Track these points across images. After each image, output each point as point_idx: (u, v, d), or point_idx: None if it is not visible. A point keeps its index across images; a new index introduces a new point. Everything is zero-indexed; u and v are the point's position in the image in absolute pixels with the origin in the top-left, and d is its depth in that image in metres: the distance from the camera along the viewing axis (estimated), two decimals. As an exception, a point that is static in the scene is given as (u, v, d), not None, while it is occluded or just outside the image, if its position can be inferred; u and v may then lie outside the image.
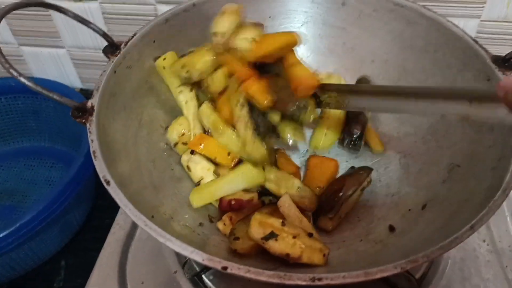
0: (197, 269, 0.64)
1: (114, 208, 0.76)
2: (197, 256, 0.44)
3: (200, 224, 0.61)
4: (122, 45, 0.63)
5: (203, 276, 0.65)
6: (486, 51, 0.61)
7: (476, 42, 0.62)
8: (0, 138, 1.04)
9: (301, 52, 0.78)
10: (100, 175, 0.50)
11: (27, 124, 1.04)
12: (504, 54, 0.59)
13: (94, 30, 0.62)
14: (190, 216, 0.62)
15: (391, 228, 0.60)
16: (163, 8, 0.92)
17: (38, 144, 1.06)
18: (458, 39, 0.64)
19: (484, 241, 0.68)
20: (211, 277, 0.65)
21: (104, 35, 0.62)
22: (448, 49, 0.66)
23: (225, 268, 0.43)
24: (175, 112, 0.71)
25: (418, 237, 0.55)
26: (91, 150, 0.52)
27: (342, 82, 0.76)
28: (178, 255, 0.68)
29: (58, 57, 1.07)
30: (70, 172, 0.82)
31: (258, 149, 0.62)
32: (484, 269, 0.65)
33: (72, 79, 1.11)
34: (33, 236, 0.77)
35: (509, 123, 0.48)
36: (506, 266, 0.66)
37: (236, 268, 0.43)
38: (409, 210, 0.61)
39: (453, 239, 0.45)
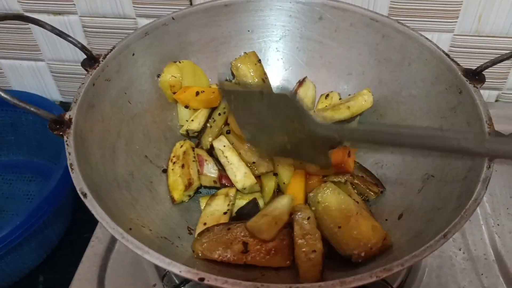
0: (177, 281, 0.64)
1: (93, 221, 0.75)
2: (174, 267, 0.44)
3: (179, 237, 0.61)
4: (101, 58, 0.64)
5: (182, 288, 0.65)
6: (457, 64, 0.63)
7: (448, 56, 0.64)
8: (-23, 152, 1.03)
9: (280, 65, 0.80)
10: (77, 188, 0.49)
11: (4, 138, 1.03)
12: (475, 67, 0.61)
13: (72, 43, 0.62)
14: (169, 228, 0.62)
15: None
16: (143, 22, 0.92)
17: (16, 158, 1.05)
18: (431, 53, 0.66)
19: (460, 249, 0.70)
20: (190, 290, 0.65)
21: (83, 48, 0.62)
22: (422, 62, 0.67)
23: (202, 279, 0.43)
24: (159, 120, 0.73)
25: (395, 246, 0.56)
26: (68, 162, 0.52)
27: (337, 99, 0.77)
28: (157, 268, 0.67)
29: (37, 70, 1.06)
30: (48, 186, 0.81)
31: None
32: (460, 277, 0.67)
33: (52, 92, 1.10)
34: (10, 251, 0.76)
35: None
36: (482, 274, 0.67)
37: (213, 279, 0.43)
38: (386, 220, 0.62)
39: (426, 247, 0.46)
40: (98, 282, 0.67)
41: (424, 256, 0.45)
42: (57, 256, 0.86)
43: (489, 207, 0.75)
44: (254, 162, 0.67)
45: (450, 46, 0.88)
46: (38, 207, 0.78)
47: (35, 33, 0.98)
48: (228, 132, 0.71)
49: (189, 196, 0.68)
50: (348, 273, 0.51)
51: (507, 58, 0.60)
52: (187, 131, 0.73)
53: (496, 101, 0.96)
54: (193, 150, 0.71)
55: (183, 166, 0.67)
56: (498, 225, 0.72)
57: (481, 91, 0.92)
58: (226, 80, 0.79)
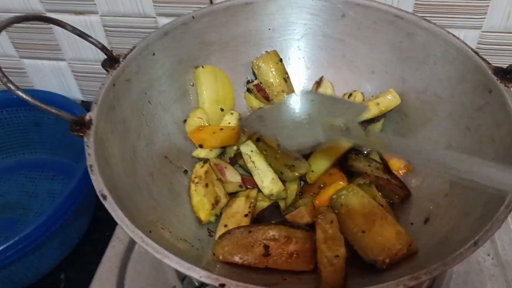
0: (196, 283, 0.63)
1: (114, 220, 0.76)
2: (194, 273, 0.43)
3: (199, 239, 0.60)
4: (121, 59, 0.63)
5: (202, 291, 0.64)
6: (487, 62, 0.61)
7: (477, 53, 0.62)
8: (2, 150, 1.04)
9: (302, 64, 0.78)
10: (97, 190, 0.49)
11: (28, 137, 1.04)
12: (505, 66, 0.59)
13: (92, 43, 0.62)
14: (189, 230, 0.61)
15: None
16: (163, 21, 0.92)
17: (39, 157, 1.06)
18: (457, 51, 0.64)
19: (488, 254, 0.68)
20: (210, 292, 0.64)
21: (103, 48, 0.62)
22: (448, 60, 0.65)
23: (222, 285, 0.42)
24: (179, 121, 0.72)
25: (420, 252, 0.54)
26: (88, 164, 0.52)
27: (360, 98, 0.75)
28: (177, 269, 0.67)
29: (59, 70, 1.07)
30: (70, 185, 0.81)
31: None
32: (489, 283, 0.64)
33: (73, 91, 1.11)
34: (33, 250, 0.76)
35: None
36: (511, 280, 0.65)
37: (234, 285, 0.42)
38: (411, 224, 0.60)
39: (456, 255, 0.44)
40: (118, 282, 0.67)
41: (454, 265, 0.43)
42: (79, 254, 0.87)
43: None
44: (292, 165, 0.65)
45: (478, 43, 0.85)
46: (59, 206, 0.78)
47: (56, 33, 0.99)
48: (257, 140, 0.70)
49: (216, 215, 0.65)
50: (372, 280, 0.50)
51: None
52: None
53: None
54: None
55: (206, 185, 0.66)
56: (526, 229, 0.70)
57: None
58: (248, 81, 0.78)
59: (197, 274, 0.43)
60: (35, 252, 0.78)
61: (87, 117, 0.56)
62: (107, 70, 0.62)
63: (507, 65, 0.59)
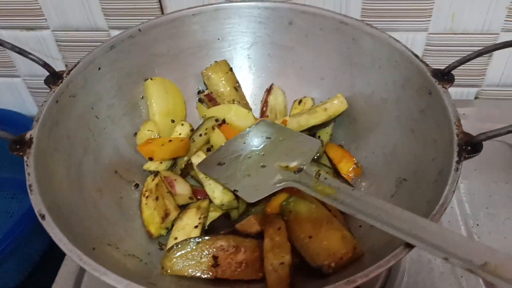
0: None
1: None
2: (132, 289, 0.43)
3: (149, 253, 0.60)
4: (64, 74, 0.63)
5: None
6: (426, 65, 0.62)
7: (417, 57, 0.63)
8: (-39, 170, 1.02)
9: (252, 72, 0.79)
10: (35, 210, 0.49)
11: (-13, 156, 1.02)
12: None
13: (34, 60, 0.61)
14: (138, 245, 0.61)
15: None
16: (116, 34, 0.91)
17: (-1, 175, 1.04)
18: (400, 55, 0.65)
19: (439, 252, 0.68)
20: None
21: (45, 65, 0.61)
22: (392, 64, 0.66)
23: (160, 300, 0.42)
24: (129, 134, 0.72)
25: (367, 255, 0.55)
26: (27, 183, 0.51)
27: (310, 104, 0.76)
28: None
29: (14, 86, 1.05)
30: (27, 203, 0.80)
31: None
32: (439, 281, 0.65)
33: (30, 108, 1.09)
34: (-10, 269, 0.75)
35: None
36: (461, 276, 0.66)
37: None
38: (360, 226, 0.61)
39: (391, 257, 0.45)
40: (72, 301, 0.66)
41: (388, 266, 0.44)
42: (40, 273, 0.85)
43: (469, 208, 0.74)
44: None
45: (426, 45, 0.87)
46: (16, 224, 0.77)
47: (9, 50, 0.97)
48: (208, 150, 0.70)
49: (167, 228, 0.64)
50: (318, 285, 0.51)
51: (474, 57, 0.59)
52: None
53: (476, 98, 0.95)
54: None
55: (157, 198, 0.65)
56: (477, 225, 0.71)
57: (460, 89, 0.93)
58: (199, 91, 0.78)
59: (135, 290, 0.43)
60: (-8, 273, 0.77)
61: (28, 135, 0.55)
62: (49, 87, 0.62)
63: (445, 67, 0.60)
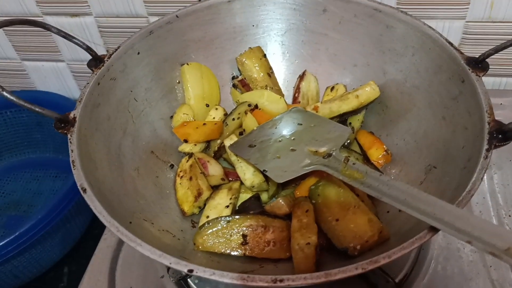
0: (182, 273, 0.66)
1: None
2: (164, 259, 0.46)
3: (182, 230, 0.62)
4: (106, 58, 0.66)
5: (188, 280, 0.67)
6: (460, 52, 0.62)
7: (451, 44, 0.63)
8: (7, 150, 1.08)
9: (286, 58, 0.80)
10: (78, 183, 0.52)
11: (32, 136, 1.08)
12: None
13: (77, 44, 0.64)
14: (173, 222, 0.64)
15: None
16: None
17: (43, 155, 1.10)
18: (433, 42, 0.65)
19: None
20: (196, 281, 0.66)
21: (87, 49, 0.65)
22: (425, 52, 0.66)
23: (191, 270, 0.45)
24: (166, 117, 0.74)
25: (393, 239, 0.56)
26: (70, 159, 0.54)
27: (343, 91, 0.76)
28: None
29: (58, 71, 1.10)
30: (68, 182, 0.85)
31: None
32: (467, 269, 0.65)
33: (73, 91, 1.15)
34: (34, 244, 0.80)
35: None
36: (490, 266, 0.66)
37: (201, 271, 0.44)
38: (388, 212, 0.62)
39: (415, 239, 0.45)
40: (110, 273, 0.70)
41: (412, 248, 0.45)
42: (81, 249, 0.90)
43: (501, 198, 0.73)
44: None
45: (463, 33, 0.86)
46: (58, 202, 0.82)
47: (54, 35, 1.02)
48: (241, 134, 0.72)
49: (199, 207, 0.67)
50: (343, 266, 0.52)
51: (510, 45, 0.58)
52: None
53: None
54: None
55: (190, 178, 0.68)
56: (510, 216, 0.71)
57: (498, 79, 0.91)
58: (233, 77, 0.80)
59: (167, 261, 0.45)
60: (37, 247, 0.82)
61: (71, 115, 0.59)
62: (92, 70, 0.65)
63: (479, 55, 0.59)
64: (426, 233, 0.46)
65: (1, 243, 0.76)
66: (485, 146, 0.51)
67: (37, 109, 0.56)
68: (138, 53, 0.70)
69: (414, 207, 0.48)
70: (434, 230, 0.46)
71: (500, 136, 0.52)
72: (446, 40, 0.63)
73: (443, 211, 0.46)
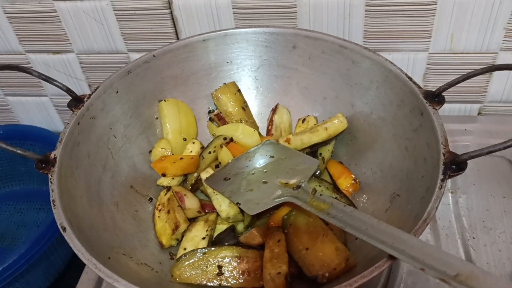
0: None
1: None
2: (141, 295, 0.48)
3: (160, 262, 0.65)
4: (85, 98, 0.69)
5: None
6: (419, 87, 0.66)
7: (411, 79, 0.67)
8: (-8, 184, 1.10)
9: (260, 92, 0.84)
10: (58, 222, 0.54)
11: (17, 168, 1.09)
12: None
13: (58, 86, 0.67)
14: (151, 255, 0.66)
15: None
16: (135, 56, 0.97)
17: (27, 187, 1.11)
18: (395, 77, 0.69)
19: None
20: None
21: (67, 91, 0.68)
22: (388, 86, 0.70)
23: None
24: (145, 152, 0.77)
25: (359, 266, 0.59)
26: (51, 199, 0.57)
27: (313, 123, 0.80)
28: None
29: (42, 105, 1.13)
30: (52, 214, 0.86)
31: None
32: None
33: (57, 124, 1.17)
34: (17, 278, 0.81)
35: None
36: None
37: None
38: (356, 239, 0.65)
39: (374, 268, 0.49)
40: (92, 306, 0.72)
41: (371, 276, 0.48)
42: (65, 279, 0.91)
43: (466, 222, 0.77)
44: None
45: (427, 64, 0.91)
46: (40, 235, 0.83)
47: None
48: (217, 167, 0.75)
49: (177, 239, 0.69)
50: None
51: (463, 80, 0.62)
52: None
53: (479, 114, 0.97)
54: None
55: (168, 211, 0.70)
56: (473, 238, 0.74)
57: (463, 105, 0.96)
58: (210, 111, 0.84)
59: (143, 295, 0.48)
60: (20, 280, 0.83)
61: (52, 155, 0.62)
62: (72, 110, 0.68)
63: (435, 89, 0.64)
64: (385, 262, 0.49)
65: (-17, 278, 0.77)
66: (440, 177, 0.55)
67: (18, 151, 0.58)
68: (117, 91, 0.74)
69: (374, 237, 0.52)
70: (392, 258, 0.49)
71: (454, 166, 0.55)
72: (406, 75, 0.68)
73: (400, 241, 0.49)
